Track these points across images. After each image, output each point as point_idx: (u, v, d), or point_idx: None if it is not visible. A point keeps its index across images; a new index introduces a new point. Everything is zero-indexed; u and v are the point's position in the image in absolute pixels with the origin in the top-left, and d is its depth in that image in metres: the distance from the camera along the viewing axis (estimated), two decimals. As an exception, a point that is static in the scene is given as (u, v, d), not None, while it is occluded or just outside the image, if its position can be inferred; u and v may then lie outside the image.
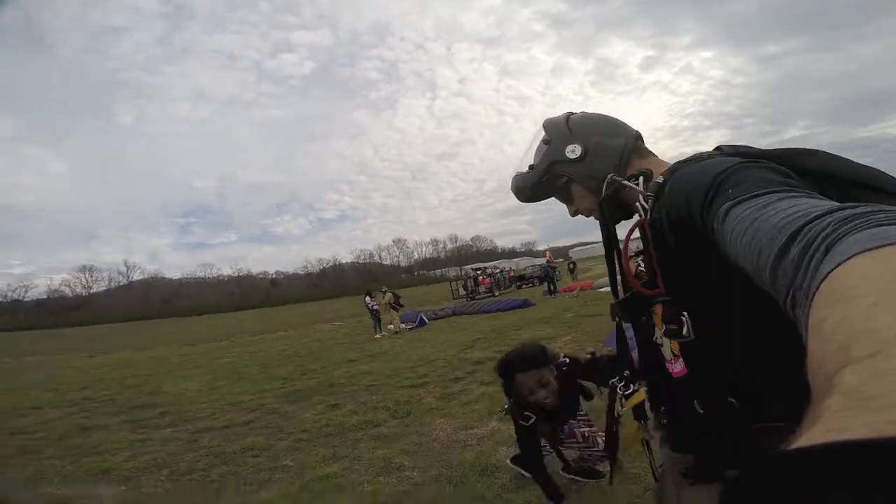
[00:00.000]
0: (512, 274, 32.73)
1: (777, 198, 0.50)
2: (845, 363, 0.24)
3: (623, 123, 0.93)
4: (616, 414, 0.98)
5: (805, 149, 0.65)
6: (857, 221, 0.36)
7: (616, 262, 0.88)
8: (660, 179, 0.74)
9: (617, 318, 0.92)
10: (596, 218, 0.95)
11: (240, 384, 7.96)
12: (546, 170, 0.94)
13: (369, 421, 4.49)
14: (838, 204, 0.43)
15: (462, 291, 27.86)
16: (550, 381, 1.93)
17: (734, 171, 0.59)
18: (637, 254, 0.99)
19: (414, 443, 3.69)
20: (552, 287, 18.28)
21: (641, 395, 0.88)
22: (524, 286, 31.09)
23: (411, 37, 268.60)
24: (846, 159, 0.64)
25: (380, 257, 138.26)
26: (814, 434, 0.20)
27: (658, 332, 0.80)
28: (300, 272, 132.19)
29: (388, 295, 15.00)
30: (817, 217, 0.40)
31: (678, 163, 0.78)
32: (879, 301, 0.26)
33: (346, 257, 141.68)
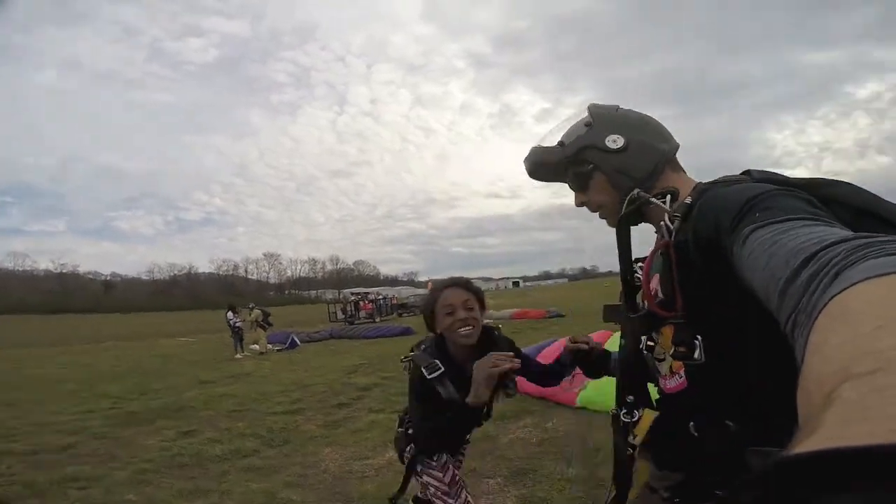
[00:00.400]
0: (394, 302, 32.58)
1: (800, 224, 0.51)
2: (845, 380, 0.24)
3: (668, 132, 0.90)
4: (629, 447, 0.85)
5: (829, 179, 0.67)
6: (870, 250, 0.36)
7: (626, 273, 0.85)
8: (688, 200, 0.73)
9: (623, 340, 0.89)
10: (602, 216, 0.94)
11: (55, 401, 6.28)
12: (579, 151, 0.89)
13: (236, 450, 3.87)
14: (854, 233, 0.44)
15: (340, 315, 26.71)
16: (477, 313, 1.46)
17: (766, 196, 0.60)
18: (635, 261, 1.00)
19: (298, 474, 3.27)
20: (434, 317, 18.53)
21: (650, 417, 0.81)
22: (406, 314, 31.15)
23: (335, 47, 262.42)
24: (866, 192, 0.65)
25: (246, 271, 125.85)
26: (813, 442, 0.19)
27: (656, 347, 0.80)
28: (144, 277, 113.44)
29: (256, 312, 13.60)
30: (832, 244, 0.41)
31: (706, 184, 0.78)
32: (885, 324, 0.26)
33: (204, 266, 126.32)
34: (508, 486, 2.89)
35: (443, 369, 1.37)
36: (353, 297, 30.79)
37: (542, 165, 0.95)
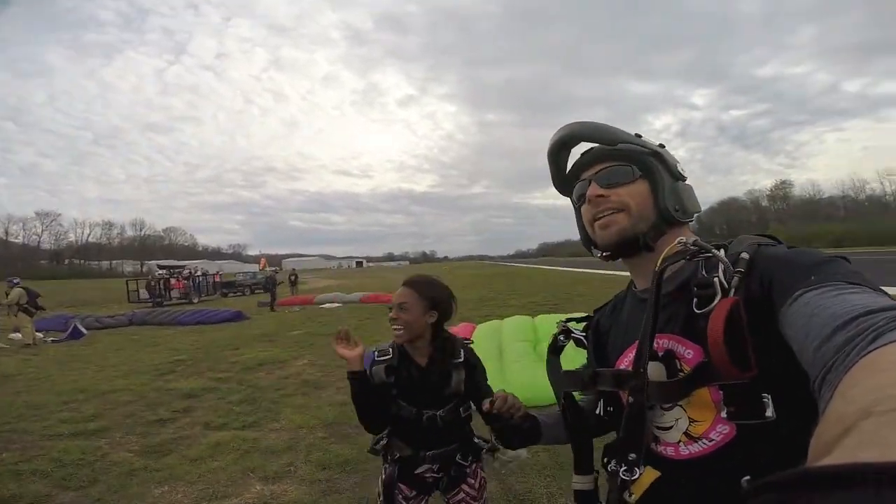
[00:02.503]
0: (217, 279, 28.53)
1: (850, 291, 0.53)
2: (864, 418, 0.25)
3: None
4: None
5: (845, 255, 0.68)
6: None
7: (649, 333, 0.74)
8: (745, 256, 0.70)
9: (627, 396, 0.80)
10: (606, 223, 0.84)
11: None
12: (651, 152, 0.84)
13: (15, 496, 2.81)
14: None
15: (145, 294, 22.16)
16: (412, 309, 1.48)
17: (830, 262, 0.62)
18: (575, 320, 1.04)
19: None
20: (273, 300, 16.93)
21: (652, 474, 0.77)
22: (231, 294, 27.62)
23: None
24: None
25: (6, 232, 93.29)
26: (825, 460, 0.22)
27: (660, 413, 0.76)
28: None
29: (18, 291, 10.25)
30: (874, 311, 0.44)
31: (739, 240, 0.77)
32: None
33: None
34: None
35: (390, 356, 1.54)
36: (161, 272, 25.76)
37: (607, 134, 0.85)
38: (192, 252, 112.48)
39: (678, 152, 0.88)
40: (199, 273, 27.03)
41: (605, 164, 0.85)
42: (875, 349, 0.37)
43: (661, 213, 0.81)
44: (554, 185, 0.96)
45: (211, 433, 3.93)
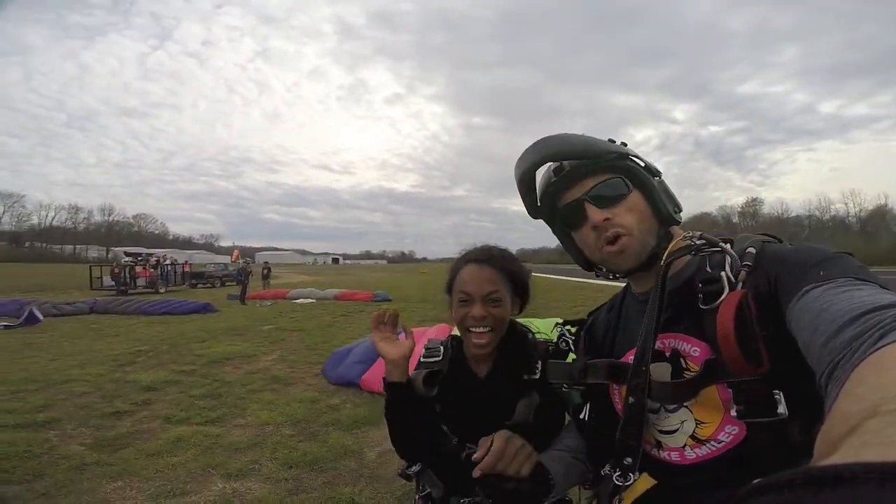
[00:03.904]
0: (186, 269, 27.58)
1: (858, 287, 0.53)
2: (870, 417, 0.26)
3: None
4: None
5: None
6: None
7: (653, 329, 0.71)
8: (752, 250, 0.69)
9: (624, 391, 0.75)
10: (616, 249, 0.77)
11: None
12: (622, 154, 0.78)
13: None
14: None
15: (109, 282, 21.23)
16: (505, 309, 1.03)
17: (837, 258, 0.61)
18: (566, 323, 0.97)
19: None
20: (244, 292, 16.47)
21: (646, 482, 0.74)
22: (201, 286, 26.74)
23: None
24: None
25: None
26: (829, 459, 0.22)
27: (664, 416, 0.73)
28: None
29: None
30: (882, 307, 0.44)
31: (743, 237, 0.75)
32: None
33: None
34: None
35: (440, 358, 1.11)
36: (127, 259, 24.75)
37: (592, 149, 0.78)
38: (163, 240, 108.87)
39: (657, 165, 0.83)
40: (167, 261, 26.07)
41: (594, 181, 0.79)
42: (882, 347, 0.37)
43: (664, 220, 0.78)
44: (529, 211, 0.88)
45: (171, 427, 3.77)
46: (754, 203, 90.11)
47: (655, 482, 0.73)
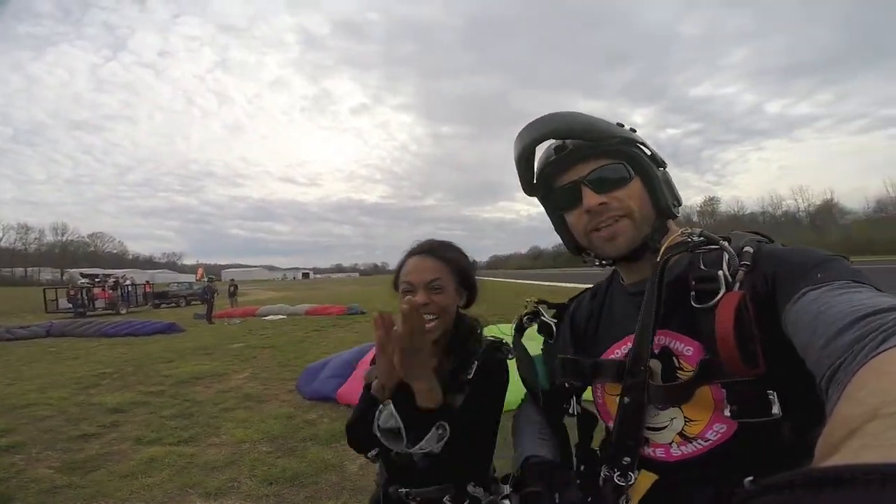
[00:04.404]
0: (148, 289, 26.54)
1: (855, 289, 0.53)
2: (870, 420, 0.26)
3: None
4: None
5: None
6: None
7: (651, 327, 0.69)
8: (749, 250, 0.68)
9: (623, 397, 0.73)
10: (611, 233, 0.76)
11: None
12: (629, 139, 0.76)
13: None
14: None
15: (66, 304, 20.20)
16: (448, 296, 1.04)
17: (833, 260, 0.61)
18: (538, 303, 0.92)
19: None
20: (210, 311, 16.01)
21: (649, 478, 0.71)
22: (165, 306, 25.73)
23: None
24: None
25: None
26: (830, 461, 0.23)
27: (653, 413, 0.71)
28: None
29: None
30: (882, 311, 0.44)
31: (737, 235, 0.75)
32: None
33: None
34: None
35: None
36: (83, 281, 23.63)
37: (596, 130, 0.75)
38: (122, 260, 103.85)
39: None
40: (127, 282, 25.03)
41: (594, 164, 0.76)
42: (884, 351, 0.37)
43: (662, 212, 0.76)
44: (524, 189, 0.84)
45: (143, 448, 3.72)
46: (712, 202, 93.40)
47: (657, 477, 0.72)
